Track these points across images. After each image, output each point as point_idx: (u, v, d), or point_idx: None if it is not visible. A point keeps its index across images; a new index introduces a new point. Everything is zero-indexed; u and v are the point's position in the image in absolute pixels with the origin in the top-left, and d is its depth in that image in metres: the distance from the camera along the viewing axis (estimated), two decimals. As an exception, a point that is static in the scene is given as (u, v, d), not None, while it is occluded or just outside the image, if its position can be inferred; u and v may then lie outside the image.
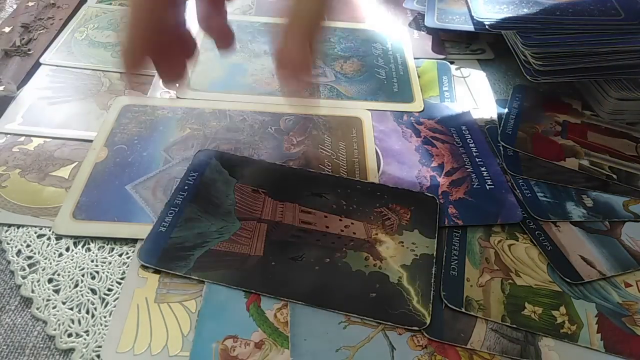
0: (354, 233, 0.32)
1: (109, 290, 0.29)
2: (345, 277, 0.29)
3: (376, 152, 0.39)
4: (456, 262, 0.31)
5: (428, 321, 0.28)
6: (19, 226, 0.32)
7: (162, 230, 0.31)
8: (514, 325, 0.28)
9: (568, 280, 0.31)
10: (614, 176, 0.38)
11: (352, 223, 0.32)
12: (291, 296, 0.28)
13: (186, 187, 0.34)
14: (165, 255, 0.30)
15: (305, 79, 0.27)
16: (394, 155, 0.39)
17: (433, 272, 0.30)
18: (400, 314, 0.28)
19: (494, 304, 0.29)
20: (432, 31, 0.53)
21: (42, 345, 0.27)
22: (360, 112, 0.42)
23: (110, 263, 0.30)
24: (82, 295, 0.29)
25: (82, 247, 0.31)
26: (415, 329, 0.28)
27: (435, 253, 0.31)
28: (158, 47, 0.26)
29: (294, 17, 0.26)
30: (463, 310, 0.29)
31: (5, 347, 0.27)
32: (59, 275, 0.30)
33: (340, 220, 0.33)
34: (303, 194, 0.34)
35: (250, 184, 0.34)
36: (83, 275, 0.30)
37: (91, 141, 0.38)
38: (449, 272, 0.31)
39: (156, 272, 0.29)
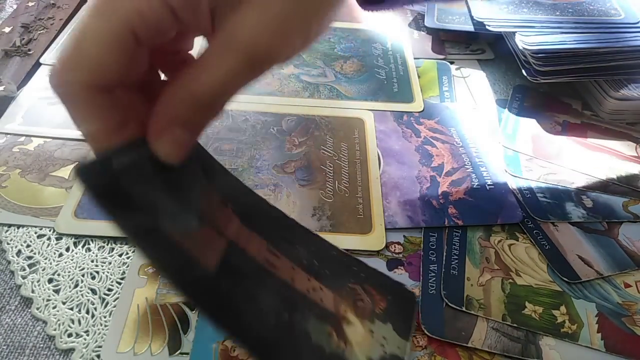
0: (322, 300, 0.27)
1: (109, 290, 0.29)
2: (303, 346, 0.24)
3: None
4: (456, 261, 0.31)
5: None
6: (19, 226, 0.32)
7: (113, 168, 0.20)
8: (515, 325, 0.28)
9: (566, 279, 0.31)
10: (614, 177, 0.38)
11: (321, 288, 0.27)
12: (237, 333, 0.22)
13: None
14: (107, 186, 0.20)
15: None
16: (394, 155, 0.39)
17: None
18: None
19: (494, 303, 0.29)
20: (432, 31, 0.53)
21: (42, 345, 0.27)
22: (362, 113, 0.42)
23: (110, 263, 0.30)
24: (82, 295, 0.29)
25: (82, 247, 0.31)
26: None
27: (406, 359, 0.26)
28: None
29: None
30: (464, 309, 0.29)
31: (5, 347, 0.27)
32: (59, 275, 0.30)
33: (309, 280, 0.27)
34: (274, 234, 0.28)
35: (219, 194, 0.27)
36: (83, 275, 0.30)
37: (91, 141, 0.38)
38: (449, 271, 0.31)
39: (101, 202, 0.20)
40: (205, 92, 0.18)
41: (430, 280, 0.30)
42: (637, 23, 0.43)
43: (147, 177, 0.21)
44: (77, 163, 0.22)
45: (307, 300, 0.26)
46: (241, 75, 0.18)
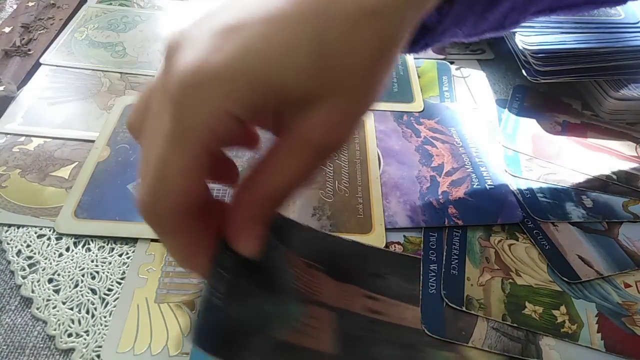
0: None
1: (109, 290, 0.29)
2: None
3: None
4: (456, 261, 0.31)
5: None
6: (19, 226, 0.32)
7: (218, 304, 0.20)
8: (515, 324, 0.28)
9: (566, 279, 0.31)
10: (614, 177, 0.38)
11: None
12: None
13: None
14: (226, 339, 0.20)
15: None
16: (394, 155, 0.39)
17: None
18: None
19: (494, 303, 0.29)
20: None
21: (42, 345, 0.27)
22: (360, 112, 0.42)
23: (110, 263, 0.30)
24: (82, 295, 0.29)
25: (82, 247, 0.31)
26: None
27: None
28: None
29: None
30: (464, 309, 0.29)
31: (5, 347, 0.27)
32: (59, 275, 0.30)
33: (411, 310, 0.28)
34: (362, 275, 0.28)
35: (302, 256, 0.27)
36: (83, 275, 0.30)
37: (91, 141, 0.38)
38: (449, 271, 0.31)
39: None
40: (281, 192, 0.19)
41: (430, 280, 0.30)
42: (637, 23, 0.43)
43: (244, 290, 0.21)
44: (190, 337, 0.24)
45: (419, 332, 0.27)
46: (313, 170, 0.19)
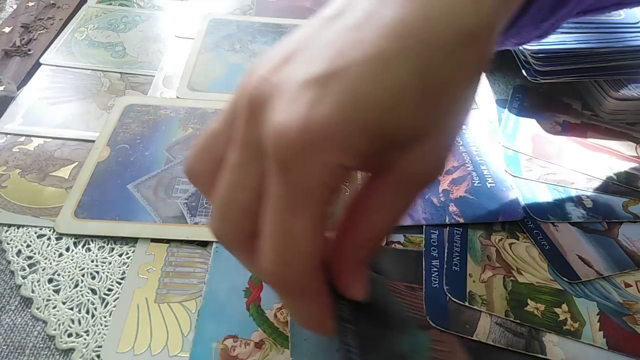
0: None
1: (109, 290, 0.29)
2: None
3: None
4: (458, 258, 0.31)
5: None
6: (19, 226, 0.32)
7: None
8: (518, 321, 0.28)
9: (566, 279, 0.31)
10: (614, 177, 0.38)
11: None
12: None
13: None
14: None
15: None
16: (394, 155, 0.39)
17: None
18: None
19: (497, 300, 0.29)
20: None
21: (42, 345, 0.27)
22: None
23: (110, 263, 0.30)
24: (82, 295, 0.29)
25: (82, 247, 0.31)
26: None
27: None
28: None
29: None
30: (466, 304, 0.29)
31: (5, 347, 0.27)
32: (59, 275, 0.30)
33: None
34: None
35: (398, 279, 0.28)
36: (83, 275, 0.30)
37: (91, 141, 0.38)
38: (451, 267, 0.31)
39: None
40: (383, 231, 0.19)
41: (432, 275, 0.30)
42: (637, 23, 0.43)
43: (372, 336, 0.21)
44: None
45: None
46: (412, 205, 0.19)
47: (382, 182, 0.18)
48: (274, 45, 0.19)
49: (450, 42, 0.15)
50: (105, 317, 0.28)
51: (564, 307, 0.30)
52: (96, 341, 0.27)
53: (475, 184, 0.36)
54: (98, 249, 0.31)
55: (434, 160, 0.17)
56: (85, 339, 0.27)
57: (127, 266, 0.30)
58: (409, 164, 0.17)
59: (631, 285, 0.31)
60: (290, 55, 0.16)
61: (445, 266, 0.31)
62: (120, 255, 0.31)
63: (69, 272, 0.30)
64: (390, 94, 0.15)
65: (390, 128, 0.16)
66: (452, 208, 0.35)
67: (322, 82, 0.15)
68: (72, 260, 0.30)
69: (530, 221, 0.34)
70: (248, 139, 0.17)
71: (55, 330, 0.27)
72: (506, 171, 0.38)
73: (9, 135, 0.38)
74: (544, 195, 0.36)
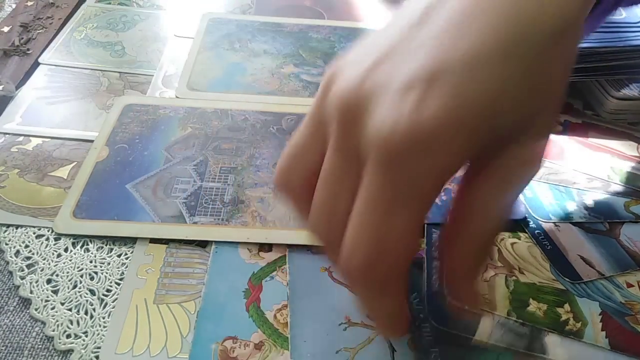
0: None
1: (108, 291, 0.29)
2: None
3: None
4: (459, 259, 0.31)
5: None
6: (17, 226, 0.32)
7: None
8: (520, 321, 0.28)
9: (568, 279, 0.31)
10: (615, 177, 0.38)
11: None
12: None
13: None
14: None
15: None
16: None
17: None
18: None
19: (499, 299, 0.29)
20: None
21: (40, 346, 0.27)
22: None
23: (109, 264, 0.30)
24: (80, 296, 0.29)
25: (81, 247, 0.31)
26: None
27: None
28: None
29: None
30: None
31: (3, 347, 0.27)
32: (57, 275, 0.30)
33: None
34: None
35: None
36: (82, 276, 0.30)
37: (90, 141, 0.38)
38: (452, 267, 0.31)
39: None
40: (495, 230, 0.19)
41: (434, 276, 0.30)
42: (638, 23, 0.43)
43: None
44: None
45: None
46: (516, 200, 0.19)
47: (483, 180, 0.18)
48: (351, 46, 0.18)
49: (546, 40, 0.15)
50: (103, 318, 0.28)
51: (566, 307, 0.29)
52: (95, 342, 0.27)
53: (476, 184, 0.36)
54: (97, 250, 0.31)
55: (539, 154, 0.18)
56: (84, 340, 0.27)
57: (126, 267, 0.30)
58: (512, 160, 0.17)
59: (633, 286, 0.31)
60: (382, 57, 0.16)
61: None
62: (119, 256, 0.31)
63: (68, 272, 0.30)
64: (495, 93, 0.15)
65: (496, 126, 0.16)
66: (453, 208, 0.34)
67: (425, 83, 0.15)
68: (70, 260, 0.30)
69: (531, 221, 0.34)
70: (345, 145, 0.17)
71: (53, 331, 0.27)
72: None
73: (7, 135, 0.38)
74: (546, 195, 0.36)
